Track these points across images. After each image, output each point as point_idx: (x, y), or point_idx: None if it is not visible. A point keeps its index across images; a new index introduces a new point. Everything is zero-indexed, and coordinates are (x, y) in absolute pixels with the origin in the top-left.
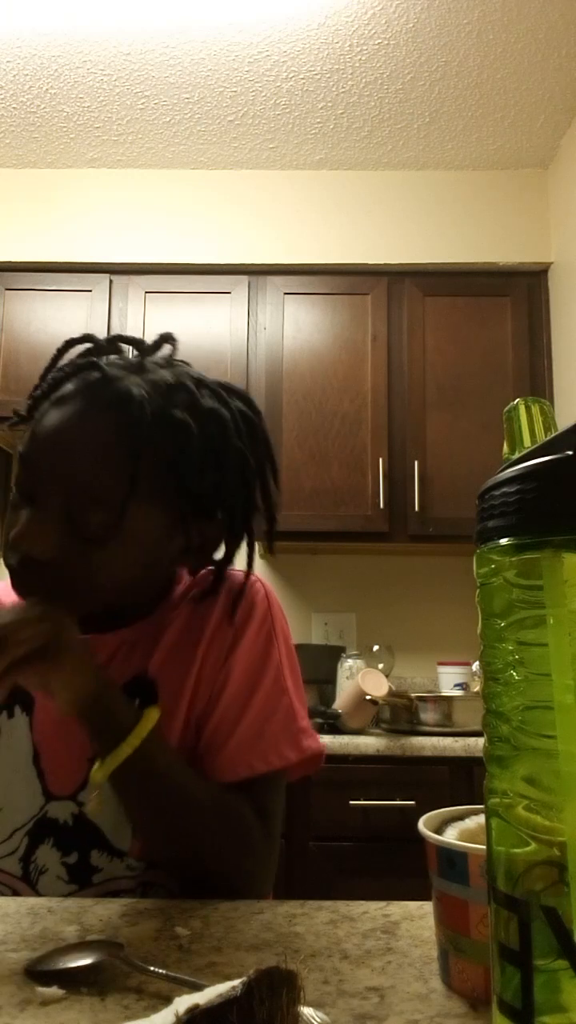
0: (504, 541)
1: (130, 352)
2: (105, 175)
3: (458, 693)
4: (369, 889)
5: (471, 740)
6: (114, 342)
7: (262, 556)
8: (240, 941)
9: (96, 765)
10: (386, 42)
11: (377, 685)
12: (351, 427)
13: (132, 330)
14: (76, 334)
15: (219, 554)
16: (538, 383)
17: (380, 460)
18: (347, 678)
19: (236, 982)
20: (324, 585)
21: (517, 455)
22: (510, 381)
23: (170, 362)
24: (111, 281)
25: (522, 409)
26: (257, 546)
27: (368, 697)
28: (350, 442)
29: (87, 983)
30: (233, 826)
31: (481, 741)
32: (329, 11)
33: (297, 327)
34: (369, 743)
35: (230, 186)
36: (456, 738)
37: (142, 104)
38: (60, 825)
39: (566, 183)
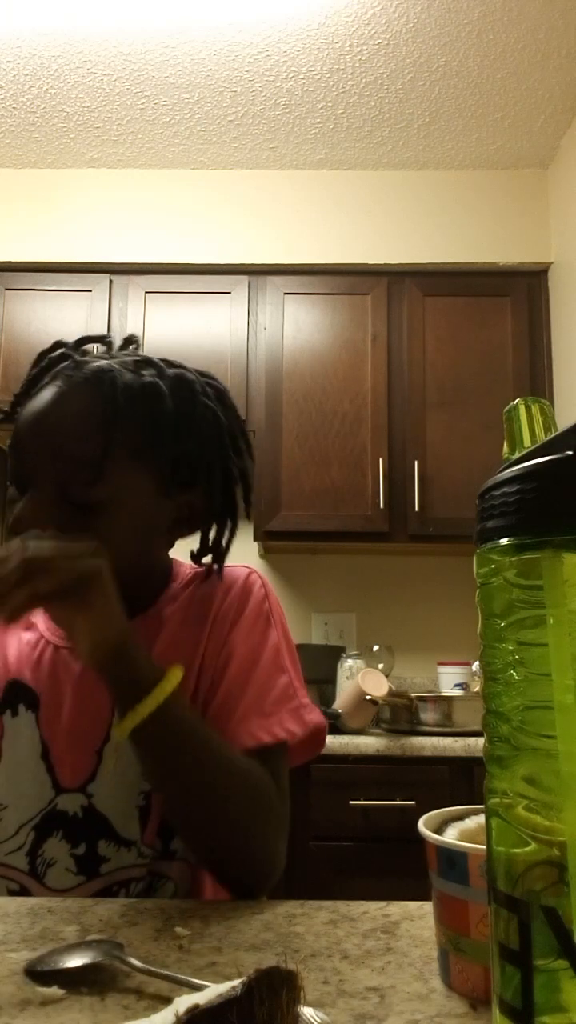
0: (504, 541)
1: (95, 350)
2: (105, 175)
3: (458, 693)
4: (369, 889)
5: (471, 740)
6: (82, 343)
7: (262, 556)
8: (240, 941)
9: (115, 720)
10: (386, 42)
11: (377, 685)
12: (351, 427)
13: (132, 330)
14: (76, 334)
15: (211, 533)
16: (538, 383)
17: (380, 460)
18: (347, 678)
19: (236, 982)
20: (324, 585)
21: (517, 455)
22: (510, 381)
23: (136, 353)
24: (111, 281)
25: (522, 409)
26: (257, 547)
27: (368, 697)
28: (350, 442)
29: (87, 983)
30: (254, 782)
31: (481, 741)
32: (329, 11)
33: (297, 327)
34: (369, 743)
35: (230, 186)
36: (456, 738)
37: (142, 104)
38: (69, 817)
39: (566, 183)
